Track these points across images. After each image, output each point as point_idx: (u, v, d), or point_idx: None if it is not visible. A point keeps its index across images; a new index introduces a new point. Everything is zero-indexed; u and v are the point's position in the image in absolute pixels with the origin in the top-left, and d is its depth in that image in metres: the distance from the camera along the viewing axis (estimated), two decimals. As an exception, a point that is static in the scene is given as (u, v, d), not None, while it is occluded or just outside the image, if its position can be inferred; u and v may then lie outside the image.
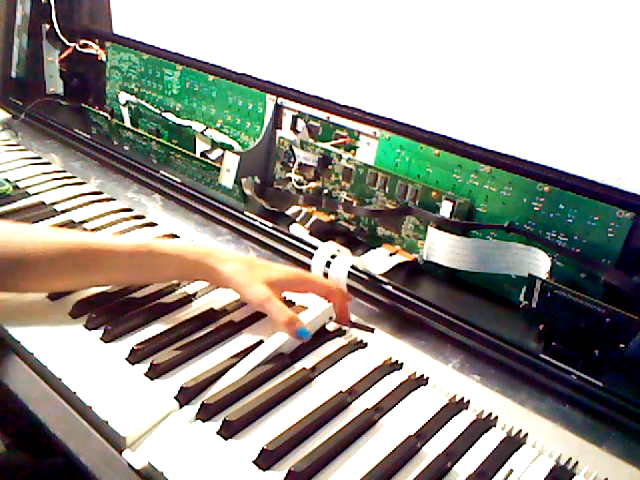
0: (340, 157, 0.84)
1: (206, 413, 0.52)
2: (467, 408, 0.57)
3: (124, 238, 0.65)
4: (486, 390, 0.60)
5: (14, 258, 0.60)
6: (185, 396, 0.53)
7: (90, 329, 0.61)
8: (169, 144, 1.01)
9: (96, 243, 0.63)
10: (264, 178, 0.95)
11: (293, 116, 0.90)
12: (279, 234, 0.82)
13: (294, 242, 0.80)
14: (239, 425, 0.51)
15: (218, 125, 1.00)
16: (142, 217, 0.87)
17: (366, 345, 0.64)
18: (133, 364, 0.57)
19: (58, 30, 1.18)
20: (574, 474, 0.52)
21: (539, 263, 0.68)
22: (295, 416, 0.52)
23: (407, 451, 0.50)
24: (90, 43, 1.17)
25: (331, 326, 0.66)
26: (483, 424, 0.55)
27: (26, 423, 0.55)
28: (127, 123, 1.12)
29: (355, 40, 0.83)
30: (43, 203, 0.85)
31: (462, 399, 0.58)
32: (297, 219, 0.87)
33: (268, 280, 0.62)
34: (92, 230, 0.80)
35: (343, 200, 0.85)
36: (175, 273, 0.65)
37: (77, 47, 1.18)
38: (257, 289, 0.61)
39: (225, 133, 0.99)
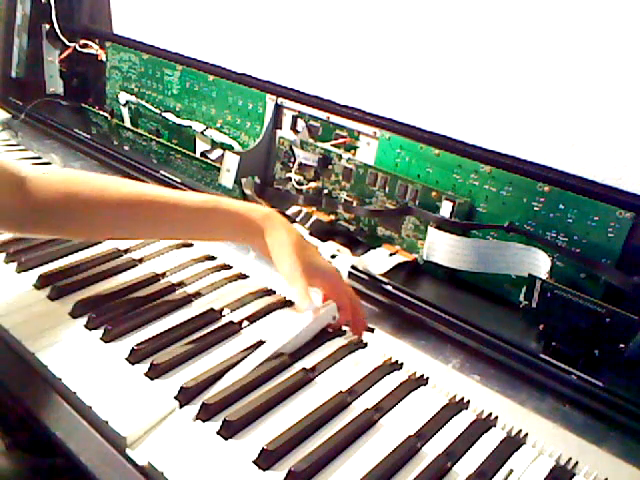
0: (340, 157, 0.84)
1: (206, 413, 0.52)
2: (467, 408, 0.57)
3: (192, 193, 0.68)
4: (486, 390, 0.60)
5: (81, 204, 0.63)
6: (185, 396, 0.53)
7: (90, 329, 0.61)
8: (169, 144, 1.01)
9: (160, 196, 0.65)
10: (264, 178, 0.95)
11: (293, 116, 0.90)
12: (279, 234, 0.82)
13: (294, 242, 0.80)
14: (239, 425, 0.51)
15: (218, 125, 1.00)
16: (142, 217, 0.86)
17: (366, 345, 0.64)
18: (133, 364, 0.57)
19: (58, 30, 1.18)
20: (574, 474, 0.52)
21: (539, 263, 0.68)
22: (295, 416, 0.52)
23: (407, 451, 0.50)
24: (90, 43, 1.17)
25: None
26: (483, 424, 0.55)
27: (26, 423, 0.55)
28: (127, 123, 1.12)
29: (355, 40, 0.83)
30: (43, 203, 0.85)
31: (462, 399, 0.58)
32: (297, 219, 0.87)
33: (307, 264, 0.64)
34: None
35: (343, 200, 0.85)
36: (233, 232, 0.67)
37: (77, 47, 1.18)
38: (291, 265, 0.63)
39: (225, 133, 0.99)
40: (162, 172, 0.96)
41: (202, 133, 1.01)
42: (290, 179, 0.90)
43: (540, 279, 0.64)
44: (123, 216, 0.64)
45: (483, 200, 0.73)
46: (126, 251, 0.75)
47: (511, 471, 0.50)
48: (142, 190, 0.66)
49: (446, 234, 0.73)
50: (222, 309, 0.66)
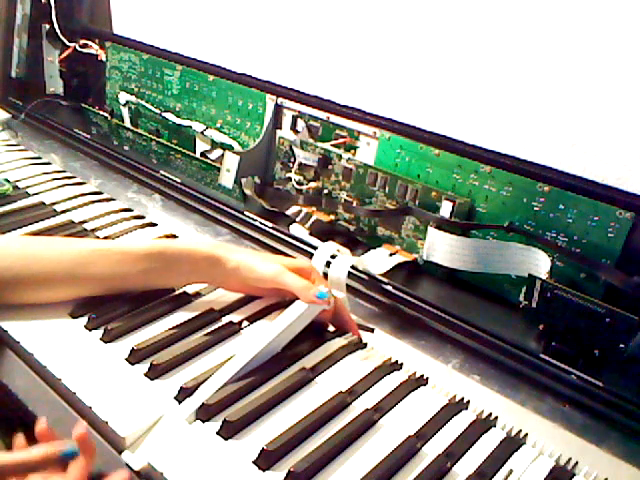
0: (340, 157, 0.84)
1: (206, 413, 0.52)
2: (467, 408, 0.57)
3: (133, 240, 0.65)
4: (486, 390, 0.60)
5: (29, 272, 0.59)
6: (185, 396, 0.53)
7: (90, 329, 0.61)
8: (169, 144, 1.01)
9: (108, 249, 0.62)
10: (264, 178, 0.95)
11: (293, 116, 0.90)
12: (279, 234, 0.82)
13: (294, 242, 0.80)
14: (239, 425, 0.51)
15: (218, 125, 1.00)
16: (142, 217, 0.87)
17: (366, 345, 0.64)
18: (133, 364, 0.57)
19: (58, 30, 1.18)
20: (574, 474, 0.51)
21: (539, 263, 0.68)
22: (295, 416, 0.52)
23: (407, 451, 0.50)
24: (90, 43, 1.17)
25: (331, 327, 0.66)
26: (483, 424, 0.55)
27: (26, 423, 0.55)
28: (127, 123, 1.12)
29: (355, 40, 0.83)
30: (43, 203, 0.85)
31: (462, 399, 0.58)
32: (297, 219, 0.87)
33: (279, 262, 0.64)
34: (92, 230, 0.80)
35: (343, 200, 0.85)
36: (187, 270, 0.64)
37: (77, 47, 1.18)
38: (269, 265, 0.63)
39: (225, 133, 0.99)
40: (162, 172, 0.96)
41: (202, 133, 1.01)
42: (290, 179, 0.90)
43: (540, 279, 0.64)
44: (75, 277, 0.61)
45: (483, 200, 0.73)
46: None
47: (511, 471, 0.50)
48: (87, 245, 0.62)
49: (446, 234, 0.73)
50: (222, 309, 0.66)
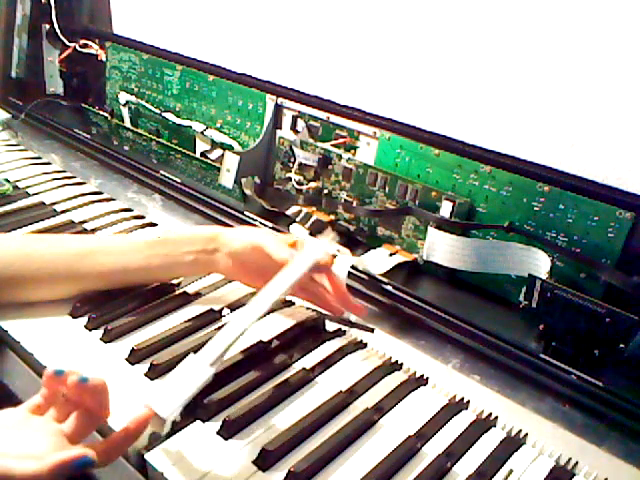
0: (340, 157, 0.84)
1: (206, 413, 0.52)
2: (467, 408, 0.57)
3: (136, 236, 0.66)
4: (486, 390, 0.60)
5: (30, 269, 0.60)
6: (185, 396, 0.53)
7: (90, 329, 0.61)
8: (169, 144, 1.01)
9: (107, 242, 0.63)
10: (264, 178, 0.94)
11: (293, 116, 0.90)
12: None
13: (294, 242, 0.80)
14: (239, 425, 0.51)
15: (218, 125, 1.00)
16: (142, 217, 0.87)
17: (366, 345, 0.64)
18: (133, 364, 0.57)
19: (58, 30, 1.17)
20: (574, 474, 0.52)
21: (539, 263, 0.68)
22: (295, 416, 0.52)
23: (407, 451, 0.50)
24: (90, 43, 1.17)
25: (332, 327, 0.66)
26: (483, 424, 0.55)
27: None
28: (127, 123, 1.12)
29: (355, 40, 0.83)
30: (43, 203, 0.85)
31: (462, 399, 0.58)
32: (297, 219, 0.87)
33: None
34: (92, 230, 0.80)
35: (343, 200, 0.85)
36: (188, 258, 0.64)
37: (77, 47, 1.18)
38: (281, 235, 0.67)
39: (225, 133, 0.99)
40: (162, 172, 0.96)
41: (202, 133, 1.00)
42: (290, 179, 0.90)
43: (540, 279, 0.64)
44: (79, 272, 0.61)
45: (483, 200, 0.73)
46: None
47: (511, 471, 0.50)
48: (89, 242, 0.64)
49: (446, 234, 0.73)
50: (222, 309, 0.66)
